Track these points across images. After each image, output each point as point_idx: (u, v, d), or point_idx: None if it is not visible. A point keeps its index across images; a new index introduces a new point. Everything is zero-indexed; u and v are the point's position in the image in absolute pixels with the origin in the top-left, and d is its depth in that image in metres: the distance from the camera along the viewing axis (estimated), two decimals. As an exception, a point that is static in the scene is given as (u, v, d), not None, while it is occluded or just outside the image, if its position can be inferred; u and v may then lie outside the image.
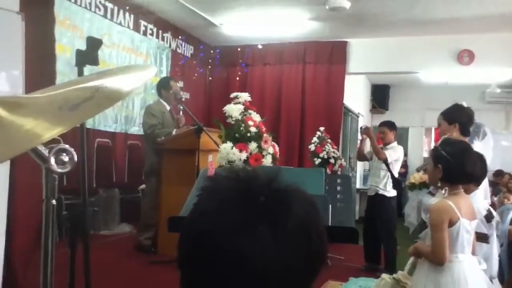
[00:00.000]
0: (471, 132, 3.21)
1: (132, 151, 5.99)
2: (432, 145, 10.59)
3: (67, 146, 0.87)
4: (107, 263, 4.04)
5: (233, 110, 3.32)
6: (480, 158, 2.57)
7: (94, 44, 1.58)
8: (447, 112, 3.11)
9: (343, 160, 5.72)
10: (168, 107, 4.89)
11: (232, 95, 3.53)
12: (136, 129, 6.03)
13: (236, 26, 6.62)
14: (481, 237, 2.39)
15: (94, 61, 1.57)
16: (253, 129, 3.29)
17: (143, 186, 5.26)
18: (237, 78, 7.54)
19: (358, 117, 8.84)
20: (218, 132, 3.57)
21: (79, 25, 5.02)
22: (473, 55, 6.66)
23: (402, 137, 10.81)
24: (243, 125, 3.28)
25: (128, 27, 5.91)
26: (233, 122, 3.33)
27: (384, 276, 2.33)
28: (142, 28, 6.20)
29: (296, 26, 6.45)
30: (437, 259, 2.18)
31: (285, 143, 6.81)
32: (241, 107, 3.36)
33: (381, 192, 4.65)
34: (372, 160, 4.91)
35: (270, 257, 0.58)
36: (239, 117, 3.32)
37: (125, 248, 4.75)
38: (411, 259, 2.37)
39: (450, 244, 2.17)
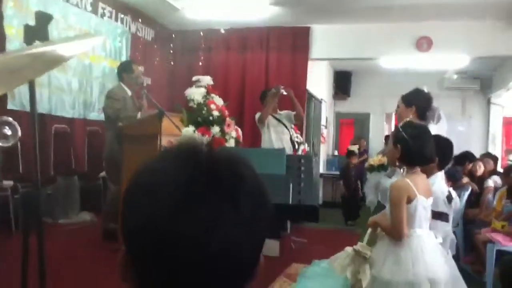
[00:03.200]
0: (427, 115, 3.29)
1: (92, 138, 5.82)
2: (392, 130, 10.84)
3: (10, 119, 0.82)
4: (66, 253, 3.93)
5: (195, 93, 3.27)
6: (447, 143, 2.68)
7: (43, 19, 1.49)
8: (406, 95, 3.18)
9: (306, 145, 5.76)
10: (129, 92, 4.76)
11: (194, 79, 3.47)
12: (96, 115, 5.86)
13: (198, 10, 6.51)
14: (442, 216, 2.48)
15: (44, 37, 1.48)
16: (215, 113, 3.26)
17: (103, 173, 5.13)
18: (200, 63, 7.44)
19: (321, 103, 8.93)
20: (181, 117, 3.51)
21: (31, 7, 4.79)
22: (432, 42, 6.82)
23: (363, 123, 11.04)
24: (205, 108, 3.24)
25: (85, 9, 5.70)
26: (195, 106, 3.28)
27: (347, 248, 2.42)
28: (100, 11, 5.99)
29: (258, 10, 6.41)
30: (396, 234, 2.28)
31: (249, 128, 6.79)
32: (203, 90, 3.32)
33: None
34: None
35: (230, 235, 0.52)
36: (201, 101, 3.28)
37: (86, 237, 4.64)
38: (369, 231, 2.49)
39: (408, 220, 2.27)
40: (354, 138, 10.62)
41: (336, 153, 10.59)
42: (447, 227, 2.59)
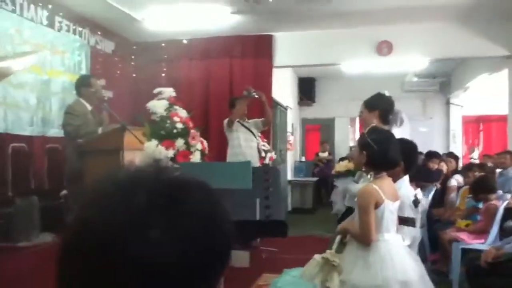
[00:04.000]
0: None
1: (52, 155, 5.61)
2: (357, 134, 11.04)
3: None
4: (25, 276, 3.75)
5: (157, 106, 3.20)
6: (411, 147, 2.72)
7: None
8: (369, 100, 3.22)
9: (273, 152, 5.76)
10: (89, 107, 4.63)
11: (156, 91, 3.40)
12: (56, 131, 5.65)
13: (159, 21, 6.42)
14: (408, 221, 2.51)
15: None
16: (179, 125, 3.19)
17: (65, 191, 4.95)
18: (163, 74, 7.33)
19: (286, 109, 8.97)
20: (144, 130, 3.42)
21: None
22: (392, 46, 6.97)
23: (329, 128, 11.17)
24: (168, 121, 3.17)
25: (41, 23, 5.52)
26: (157, 119, 3.21)
27: (316, 256, 2.43)
28: (57, 24, 5.81)
29: (220, 20, 6.38)
30: (365, 240, 2.32)
31: (216, 138, 6.72)
32: (165, 102, 3.25)
33: None
34: None
35: (165, 257, 0.52)
36: (164, 113, 3.21)
37: (48, 258, 4.44)
38: (338, 238, 2.51)
39: (376, 224, 2.31)
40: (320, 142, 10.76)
41: (303, 159, 10.66)
42: (414, 231, 2.62)
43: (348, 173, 3.89)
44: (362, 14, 6.26)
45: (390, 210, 2.35)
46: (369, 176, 2.50)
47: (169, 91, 3.40)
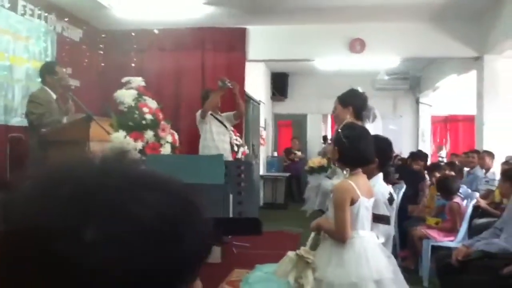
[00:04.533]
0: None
1: (14, 145, 5.34)
2: (329, 131, 11.09)
3: None
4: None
5: (125, 95, 3.06)
6: (386, 143, 2.69)
7: None
8: (342, 96, 3.18)
9: (246, 147, 5.68)
10: (54, 95, 4.42)
11: (124, 80, 3.25)
12: (19, 120, 5.39)
13: (128, 9, 6.21)
14: (383, 219, 2.48)
15: None
16: (148, 116, 3.06)
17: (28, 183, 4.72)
18: (133, 65, 7.11)
19: (259, 104, 8.90)
20: (111, 121, 3.27)
21: None
22: (364, 44, 6.99)
23: (301, 124, 11.17)
24: (137, 112, 3.03)
25: (3, 6, 5.23)
26: (125, 109, 3.07)
27: (289, 253, 2.39)
28: (20, 8, 5.53)
29: (192, 10, 6.23)
30: (340, 237, 2.28)
31: (186, 131, 6.57)
32: (134, 92, 3.11)
33: None
34: None
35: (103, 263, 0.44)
36: (133, 103, 3.07)
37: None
38: (313, 235, 2.47)
39: (351, 221, 2.27)
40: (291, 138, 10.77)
41: (275, 154, 10.64)
42: (389, 229, 2.60)
43: (321, 169, 3.85)
44: (336, 10, 6.24)
45: (365, 206, 2.32)
46: (344, 172, 2.45)
47: (138, 80, 3.26)
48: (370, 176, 2.54)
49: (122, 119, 3.03)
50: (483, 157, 5.95)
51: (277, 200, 9.17)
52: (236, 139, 5.55)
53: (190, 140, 6.57)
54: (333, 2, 5.97)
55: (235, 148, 5.44)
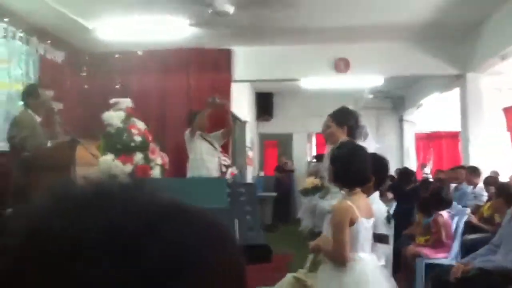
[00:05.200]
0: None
1: (-6, 171, 5.16)
2: (314, 150, 11.10)
3: None
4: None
5: (113, 117, 2.97)
6: (383, 162, 2.65)
7: None
8: (337, 115, 3.15)
9: (234, 168, 5.60)
10: (38, 118, 4.30)
11: (112, 101, 3.17)
12: (1, 146, 5.23)
13: (113, 31, 6.15)
14: (382, 238, 2.42)
15: None
16: (137, 138, 2.97)
17: (10, 210, 4.55)
18: (117, 86, 7.02)
19: (245, 124, 8.87)
20: (98, 144, 3.17)
21: None
22: (349, 63, 7.05)
23: (287, 143, 11.16)
24: (125, 134, 2.94)
25: (-16, 28, 5.13)
26: (113, 132, 2.97)
27: (288, 275, 2.36)
28: (2, 31, 5.42)
29: (177, 31, 6.21)
30: (339, 259, 2.20)
31: (173, 153, 6.46)
32: (122, 114, 3.02)
33: None
34: None
35: None
36: (121, 125, 2.98)
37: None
38: (311, 256, 2.42)
39: (351, 243, 2.20)
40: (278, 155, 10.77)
41: (262, 174, 10.57)
42: (388, 249, 2.54)
43: (315, 190, 3.79)
44: (321, 31, 6.30)
45: (365, 227, 2.26)
46: (343, 192, 2.40)
47: (127, 102, 3.18)
48: (367, 194, 2.49)
49: (110, 142, 2.94)
50: (471, 173, 5.98)
51: (265, 221, 9.06)
52: (225, 160, 5.47)
53: (177, 161, 6.48)
54: (318, 23, 6.03)
55: (223, 169, 5.35)
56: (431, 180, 7.02)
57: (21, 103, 4.61)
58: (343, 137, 3.03)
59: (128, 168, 2.80)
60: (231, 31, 6.30)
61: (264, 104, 10.36)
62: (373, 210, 2.39)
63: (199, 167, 4.68)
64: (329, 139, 3.29)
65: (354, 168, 2.24)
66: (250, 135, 9.48)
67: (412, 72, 7.35)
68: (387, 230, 2.51)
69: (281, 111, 10.57)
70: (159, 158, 3.07)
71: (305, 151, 10.90)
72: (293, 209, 9.89)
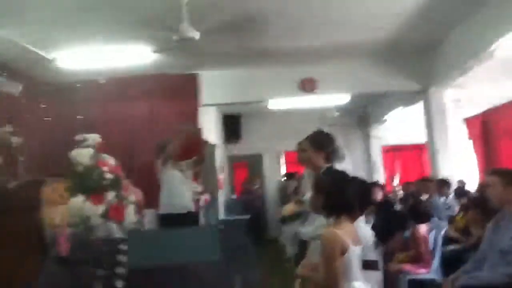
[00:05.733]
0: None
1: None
2: (284, 169, 11.08)
3: None
4: None
5: (82, 155, 2.81)
6: (366, 186, 2.61)
7: None
8: (315, 140, 3.08)
9: (208, 194, 5.46)
10: (-4, 157, 4.03)
11: (77, 138, 2.99)
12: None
13: (73, 61, 5.98)
14: (373, 265, 2.36)
15: None
16: (109, 175, 2.81)
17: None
18: (79, 117, 6.75)
19: (214, 147, 8.74)
20: (66, 185, 2.98)
21: None
22: (315, 83, 7.13)
23: (256, 164, 11.10)
24: (96, 172, 2.78)
25: None
26: (82, 170, 2.81)
27: None
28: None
29: (140, 58, 6.09)
30: None
31: (141, 186, 6.24)
32: (91, 150, 2.86)
33: None
34: None
35: None
36: (90, 163, 2.82)
37: None
38: (298, 282, 2.44)
39: (344, 273, 2.13)
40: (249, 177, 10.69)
41: (234, 196, 10.45)
42: (379, 275, 2.48)
43: (295, 217, 3.70)
44: (286, 53, 6.35)
45: (356, 255, 2.19)
46: (328, 219, 2.32)
47: (95, 137, 3.02)
48: (353, 219, 2.42)
49: (80, 181, 2.76)
50: (441, 185, 6.09)
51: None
52: (195, 187, 5.33)
53: (147, 195, 6.24)
54: (283, 45, 6.06)
55: (196, 196, 5.21)
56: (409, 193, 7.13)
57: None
58: (320, 161, 2.96)
59: (101, 208, 2.63)
60: (195, 56, 6.24)
61: (232, 126, 10.30)
62: (359, 236, 2.33)
63: (173, 195, 4.53)
64: (306, 164, 3.21)
65: (343, 197, 2.19)
66: (219, 158, 9.36)
67: (377, 89, 7.49)
68: (376, 256, 2.45)
69: (250, 132, 10.54)
70: (132, 195, 2.91)
71: (275, 171, 10.88)
72: (264, 231, 9.82)
